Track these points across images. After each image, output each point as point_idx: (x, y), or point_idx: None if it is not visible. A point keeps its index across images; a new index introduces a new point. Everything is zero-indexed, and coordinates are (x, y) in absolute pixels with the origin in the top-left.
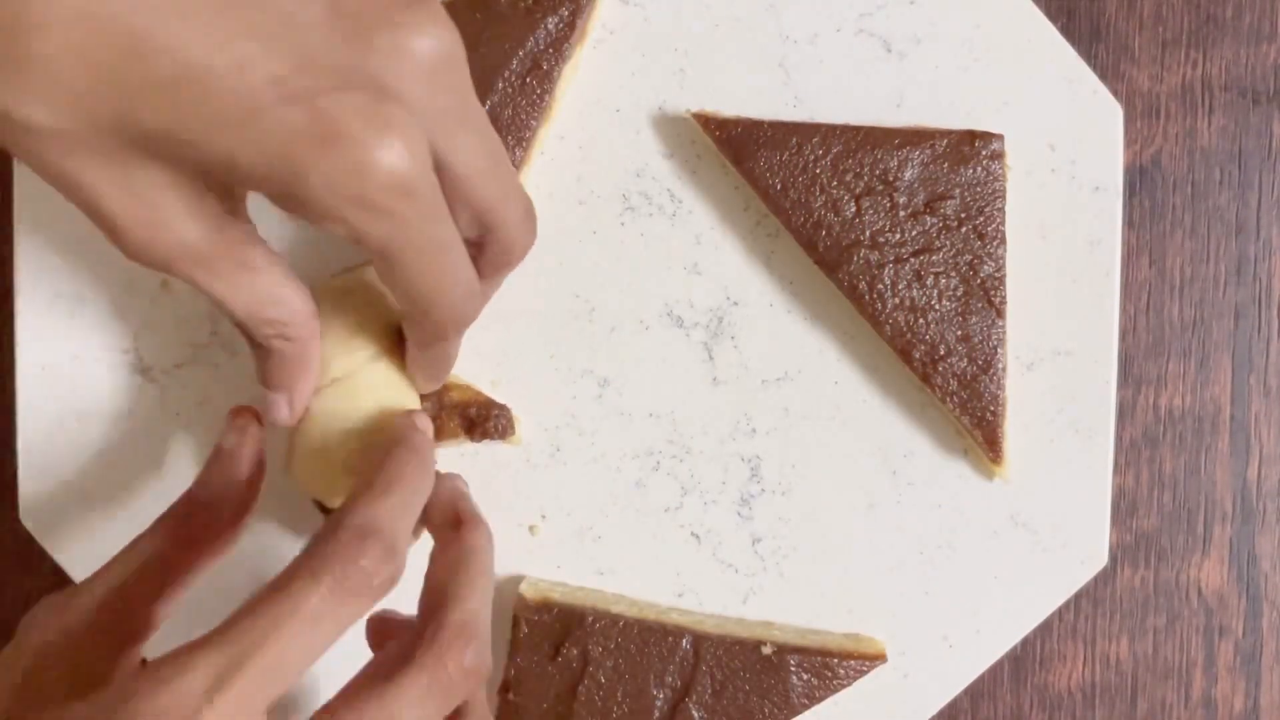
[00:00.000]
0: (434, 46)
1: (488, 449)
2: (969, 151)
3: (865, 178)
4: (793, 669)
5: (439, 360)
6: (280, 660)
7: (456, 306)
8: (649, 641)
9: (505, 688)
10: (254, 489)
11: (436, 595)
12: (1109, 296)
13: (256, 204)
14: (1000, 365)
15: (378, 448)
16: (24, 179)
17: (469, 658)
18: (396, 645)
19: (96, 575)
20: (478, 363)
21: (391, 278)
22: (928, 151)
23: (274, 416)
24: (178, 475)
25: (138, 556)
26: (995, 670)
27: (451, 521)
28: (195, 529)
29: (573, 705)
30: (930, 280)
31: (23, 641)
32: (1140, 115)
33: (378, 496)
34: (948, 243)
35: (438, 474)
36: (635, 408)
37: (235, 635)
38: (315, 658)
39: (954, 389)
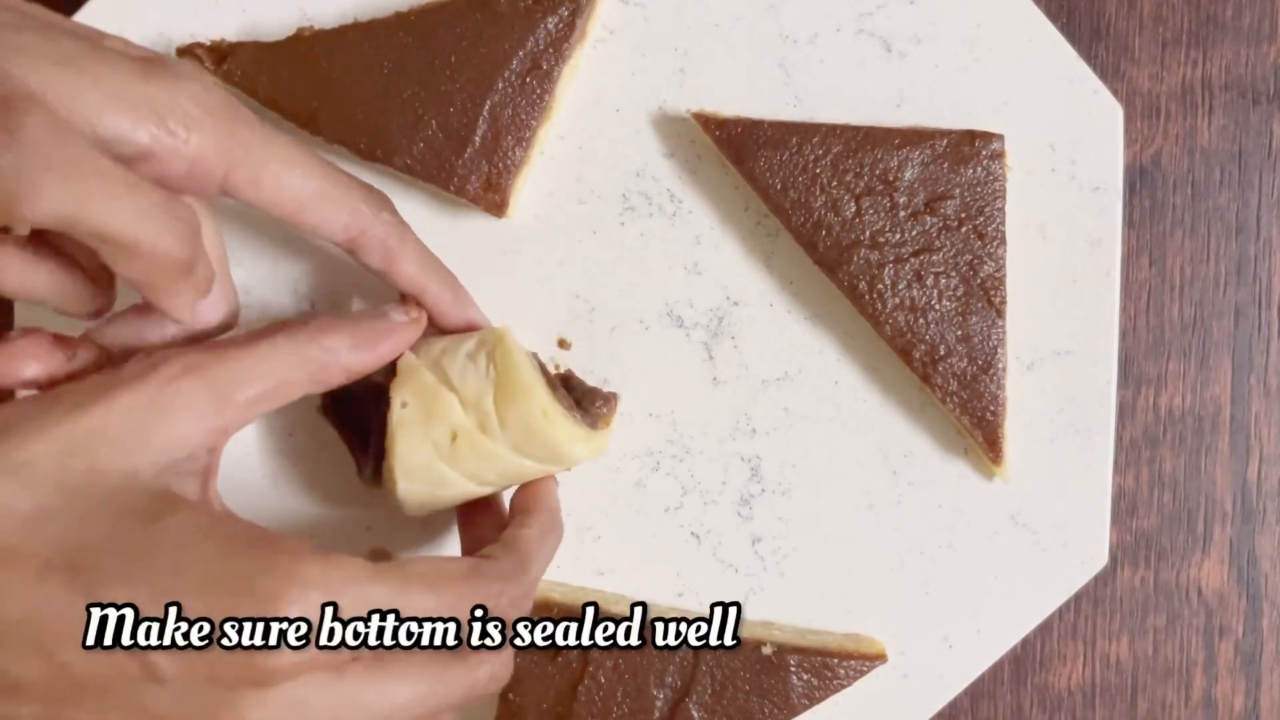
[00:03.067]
0: None
1: None
2: (969, 151)
3: (865, 178)
4: (793, 669)
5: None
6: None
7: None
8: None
9: (505, 688)
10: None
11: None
12: (1109, 296)
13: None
14: (1000, 365)
15: (531, 495)
16: None
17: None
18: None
19: None
20: None
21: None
22: (928, 151)
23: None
24: None
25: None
26: (995, 670)
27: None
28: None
29: (572, 705)
30: (930, 280)
31: None
32: (1140, 115)
33: (540, 568)
34: (948, 243)
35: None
36: (635, 408)
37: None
38: None
39: (954, 389)
